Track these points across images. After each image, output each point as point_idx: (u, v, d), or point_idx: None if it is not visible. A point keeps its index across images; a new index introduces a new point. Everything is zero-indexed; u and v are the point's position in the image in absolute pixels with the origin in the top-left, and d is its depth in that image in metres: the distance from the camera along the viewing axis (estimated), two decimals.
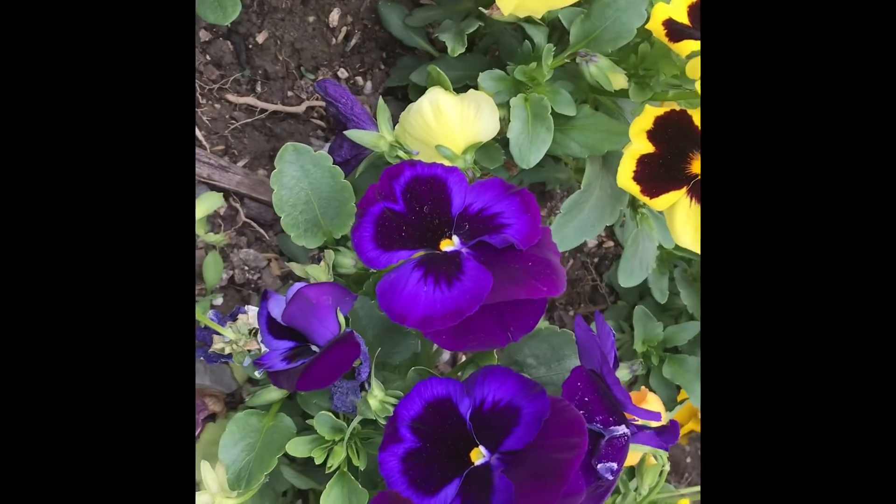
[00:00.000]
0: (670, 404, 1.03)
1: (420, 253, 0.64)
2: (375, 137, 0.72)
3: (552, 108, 0.74)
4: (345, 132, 0.71)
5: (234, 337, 0.64)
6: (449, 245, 0.64)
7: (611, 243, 1.13)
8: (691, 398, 1.00)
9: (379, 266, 0.64)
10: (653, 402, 0.97)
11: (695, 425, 1.14)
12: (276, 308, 0.60)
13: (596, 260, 1.12)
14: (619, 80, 0.75)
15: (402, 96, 0.92)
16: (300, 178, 0.69)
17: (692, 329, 1.02)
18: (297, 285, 0.58)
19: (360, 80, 0.90)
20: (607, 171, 0.77)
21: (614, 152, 0.75)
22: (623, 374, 1.02)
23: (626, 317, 1.11)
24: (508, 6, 0.67)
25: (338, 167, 0.69)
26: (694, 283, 1.04)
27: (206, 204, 0.67)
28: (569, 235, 0.76)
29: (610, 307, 1.12)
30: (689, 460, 1.27)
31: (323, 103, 0.89)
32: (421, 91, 0.88)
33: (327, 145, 0.90)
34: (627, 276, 0.86)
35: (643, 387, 1.00)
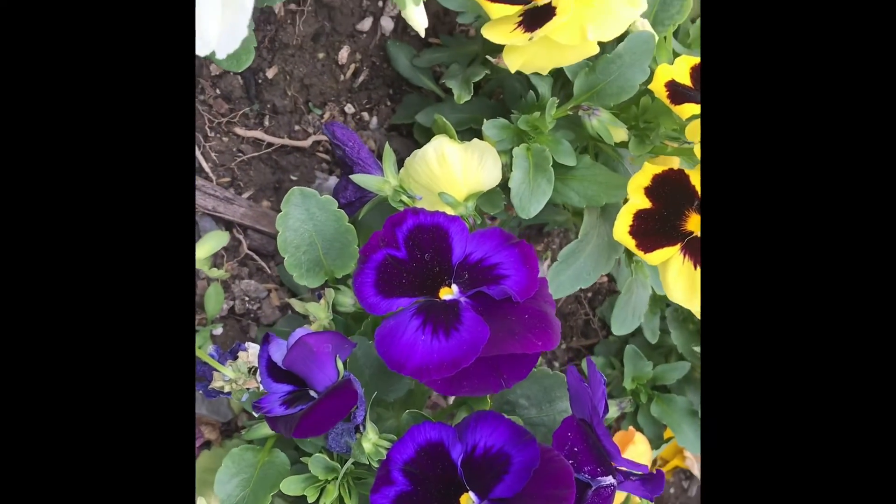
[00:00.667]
0: (657, 442, 1.05)
1: (419, 300, 0.65)
2: (380, 182, 0.73)
3: (553, 159, 0.76)
4: (351, 176, 0.73)
5: (234, 376, 0.66)
6: (448, 293, 0.66)
7: (604, 278, 1.15)
8: (677, 437, 1.02)
9: (379, 312, 0.65)
10: (640, 443, 0.99)
11: (680, 461, 1.16)
12: (277, 352, 0.61)
13: (589, 294, 1.14)
14: (619, 134, 0.77)
15: (406, 133, 0.94)
16: (305, 220, 0.70)
17: (681, 369, 1.04)
18: (299, 332, 0.60)
19: (366, 115, 0.92)
20: (604, 220, 0.79)
21: (612, 203, 0.77)
22: (612, 411, 1.04)
23: (616, 352, 1.13)
24: (515, 64, 0.69)
25: (342, 211, 0.71)
26: (684, 324, 1.06)
27: (211, 243, 0.69)
28: (564, 283, 0.77)
29: (601, 342, 1.14)
30: (672, 490, 1.29)
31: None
32: (425, 131, 0.90)
33: (331, 178, 0.92)
34: (620, 325, 0.87)
35: (630, 426, 1.02)
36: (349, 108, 0.91)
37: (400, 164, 0.94)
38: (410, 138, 0.94)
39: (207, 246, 0.68)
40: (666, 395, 1.03)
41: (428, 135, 0.90)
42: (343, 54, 0.88)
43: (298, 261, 0.71)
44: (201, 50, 0.48)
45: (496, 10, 0.68)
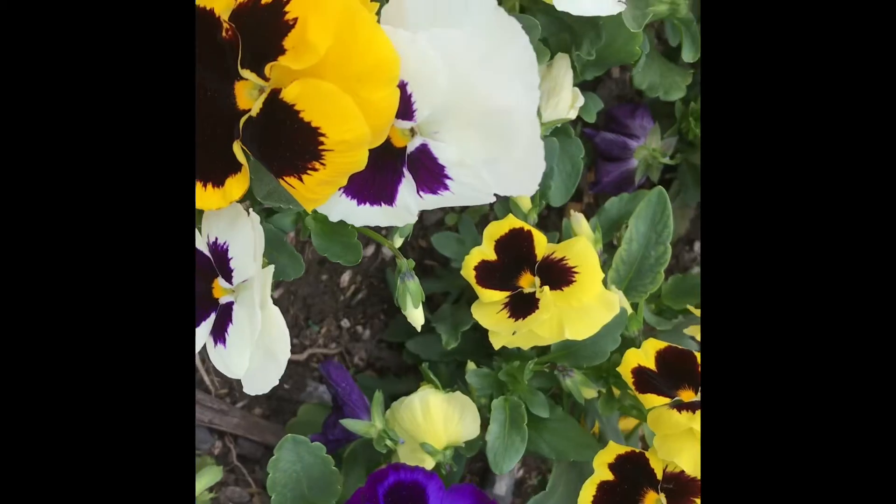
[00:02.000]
0: None
1: None
2: (366, 426, 0.80)
3: (528, 409, 0.83)
4: (341, 421, 0.79)
5: None
6: None
7: None
8: None
9: None
10: None
11: None
12: None
13: None
14: (590, 393, 0.84)
15: (396, 347, 1.01)
16: (294, 461, 0.76)
17: None
18: None
19: (360, 328, 0.99)
20: (572, 471, 0.85)
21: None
22: None
23: None
24: (498, 343, 0.76)
25: (329, 456, 0.76)
26: None
27: (206, 479, 0.74)
28: None
29: None
30: None
31: (323, 350, 0.97)
32: (414, 355, 0.97)
33: (321, 387, 0.98)
34: None
35: None
36: (345, 323, 0.98)
37: (383, 373, 1.01)
38: (400, 351, 1.01)
39: (203, 481, 0.74)
40: None
41: (416, 359, 0.97)
42: (345, 278, 0.96)
43: (284, 498, 0.76)
44: (225, 371, 0.54)
45: (486, 295, 0.76)
